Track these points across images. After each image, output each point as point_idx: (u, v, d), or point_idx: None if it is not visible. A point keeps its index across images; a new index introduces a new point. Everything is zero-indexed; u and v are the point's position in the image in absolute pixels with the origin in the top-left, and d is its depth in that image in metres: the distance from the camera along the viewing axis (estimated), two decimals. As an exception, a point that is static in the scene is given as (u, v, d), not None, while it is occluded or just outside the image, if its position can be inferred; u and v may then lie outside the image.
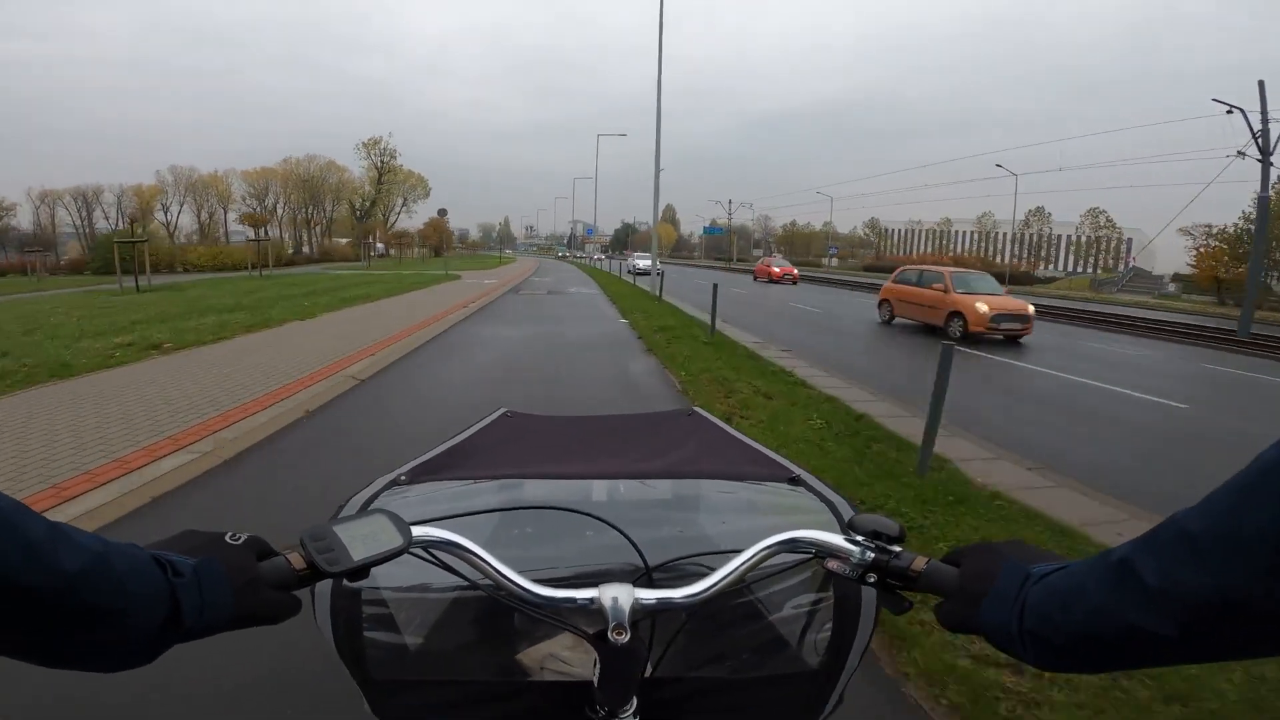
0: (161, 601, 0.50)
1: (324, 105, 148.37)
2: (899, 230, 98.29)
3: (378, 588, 0.89)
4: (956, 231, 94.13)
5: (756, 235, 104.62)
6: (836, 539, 0.67)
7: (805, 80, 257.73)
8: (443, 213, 59.03)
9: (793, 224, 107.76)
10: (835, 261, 70.62)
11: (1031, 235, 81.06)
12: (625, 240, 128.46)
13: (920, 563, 0.63)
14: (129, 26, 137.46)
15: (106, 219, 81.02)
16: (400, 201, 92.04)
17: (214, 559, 0.55)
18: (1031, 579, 0.55)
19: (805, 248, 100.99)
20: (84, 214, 77.71)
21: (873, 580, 0.65)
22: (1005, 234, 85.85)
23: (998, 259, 74.79)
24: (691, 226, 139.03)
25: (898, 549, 0.65)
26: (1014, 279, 46.00)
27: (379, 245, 76.11)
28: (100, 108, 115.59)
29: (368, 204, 79.78)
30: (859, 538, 0.66)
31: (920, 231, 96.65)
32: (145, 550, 0.52)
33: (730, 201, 59.89)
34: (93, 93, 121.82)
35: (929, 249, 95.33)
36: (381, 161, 79.83)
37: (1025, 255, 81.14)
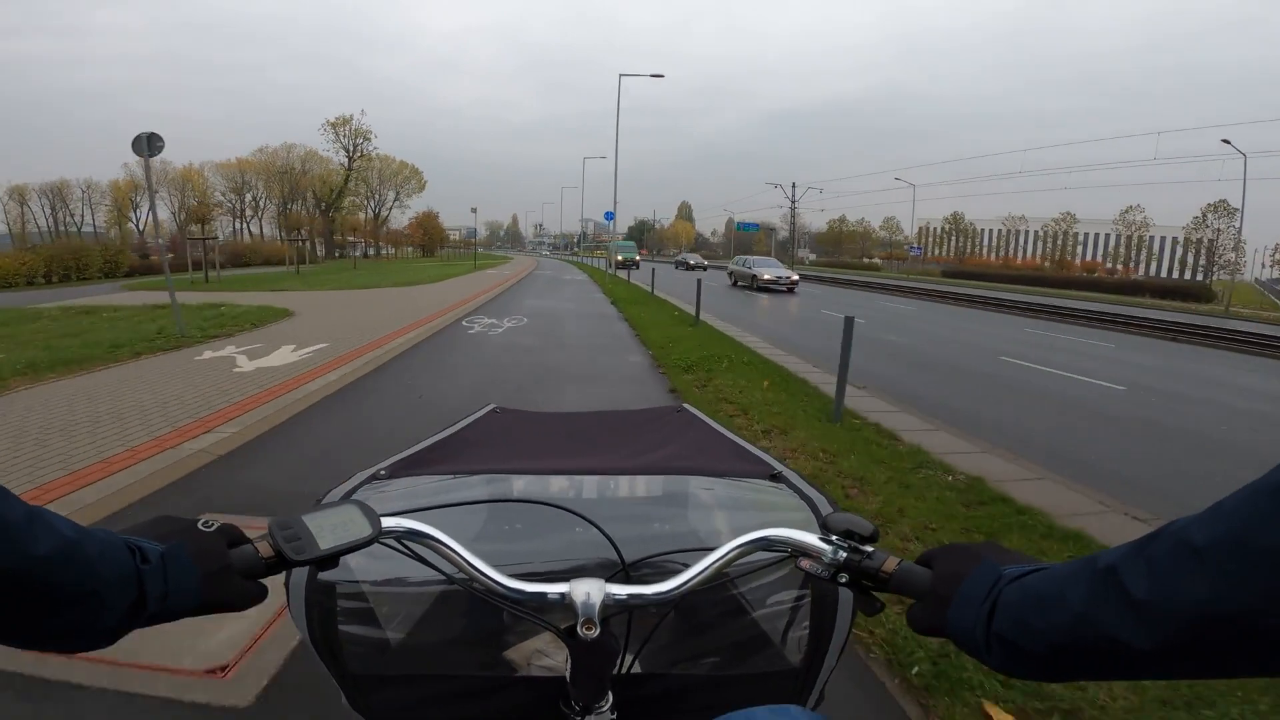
0: (129, 586, 0.52)
1: (336, 101, 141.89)
2: (980, 228, 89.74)
3: (356, 581, 0.90)
4: (1032, 231, 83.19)
5: (783, 233, 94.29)
6: (809, 538, 0.68)
7: (826, 77, 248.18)
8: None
9: (841, 220, 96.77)
10: (874, 263, 61.31)
11: (1123, 235, 70.34)
12: (641, 239, 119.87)
13: (891, 563, 0.64)
14: (139, 23, 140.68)
15: (71, 216, 75.17)
16: (392, 195, 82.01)
17: (182, 544, 0.57)
18: (1004, 580, 0.55)
19: (844, 246, 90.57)
20: (55, 211, 74.34)
21: (845, 580, 0.66)
22: (1088, 234, 75.76)
23: (1090, 257, 64.59)
24: (712, 224, 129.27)
25: (870, 549, 0.66)
26: (1166, 292, 34.99)
27: (352, 244, 66.18)
28: (112, 104, 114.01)
29: (335, 194, 69.35)
30: (833, 537, 0.67)
31: (988, 230, 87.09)
32: (118, 535, 0.54)
33: (794, 186, 47.61)
34: (116, 89, 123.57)
35: (1002, 249, 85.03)
36: (353, 145, 68.27)
37: (1121, 257, 71.50)
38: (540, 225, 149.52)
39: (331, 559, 0.62)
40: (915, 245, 66.55)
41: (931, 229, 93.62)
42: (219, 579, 0.57)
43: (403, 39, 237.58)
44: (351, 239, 78.76)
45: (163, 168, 71.31)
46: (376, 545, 0.66)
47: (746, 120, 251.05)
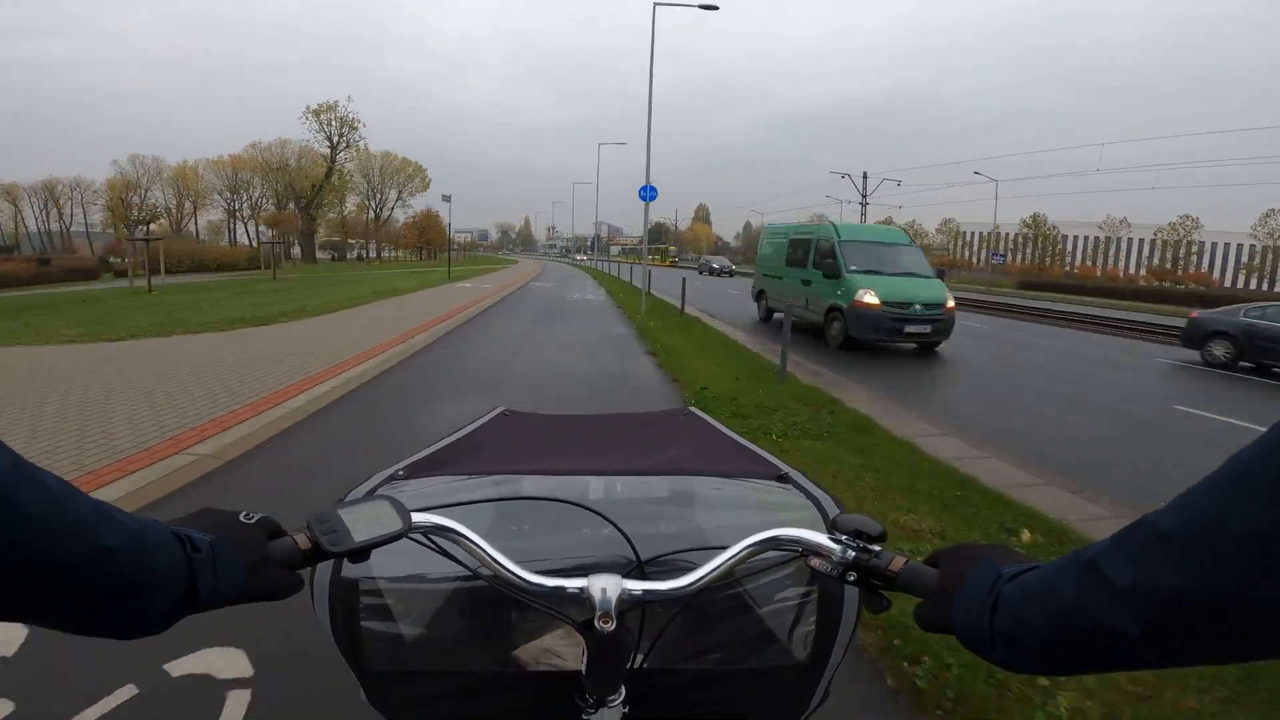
0: (181, 576, 0.55)
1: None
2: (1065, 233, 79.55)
3: (374, 578, 0.93)
4: (1133, 239, 73.40)
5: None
6: (819, 537, 0.71)
7: (841, 78, 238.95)
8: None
9: (887, 221, 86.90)
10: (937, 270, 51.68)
11: (1263, 245, 60.47)
12: (659, 242, 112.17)
13: (898, 563, 0.67)
14: (151, 22, 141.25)
15: (62, 217, 72.20)
16: (395, 194, 74.43)
17: (228, 536, 0.60)
18: (1004, 578, 0.57)
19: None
20: (46, 210, 70.74)
21: (853, 579, 0.69)
22: (1215, 242, 65.93)
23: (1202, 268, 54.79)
24: (730, 226, 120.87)
25: (877, 548, 0.68)
26: None
27: (349, 245, 58.28)
28: (126, 107, 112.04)
29: (314, 189, 61.84)
30: (841, 536, 0.69)
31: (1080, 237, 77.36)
32: (167, 526, 0.57)
33: (865, 176, 37.83)
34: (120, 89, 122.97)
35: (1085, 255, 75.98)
36: (338, 135, 60.92)
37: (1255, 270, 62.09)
38: (553, 228, 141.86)
39: (365, 551, 0.65)
40: (999, 252, 56.43)
41: (1002, 233, 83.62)
42: (260, 570, 0.61)
43: (413, 41, 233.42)
44: (352, 240, 71.31)
45: (156, 166, 67.56)
46: (394, 542, 0.68)
47: (756, 121, 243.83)
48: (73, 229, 72.86)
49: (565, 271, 45.41)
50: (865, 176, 37.71)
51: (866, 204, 38.00)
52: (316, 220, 63.48)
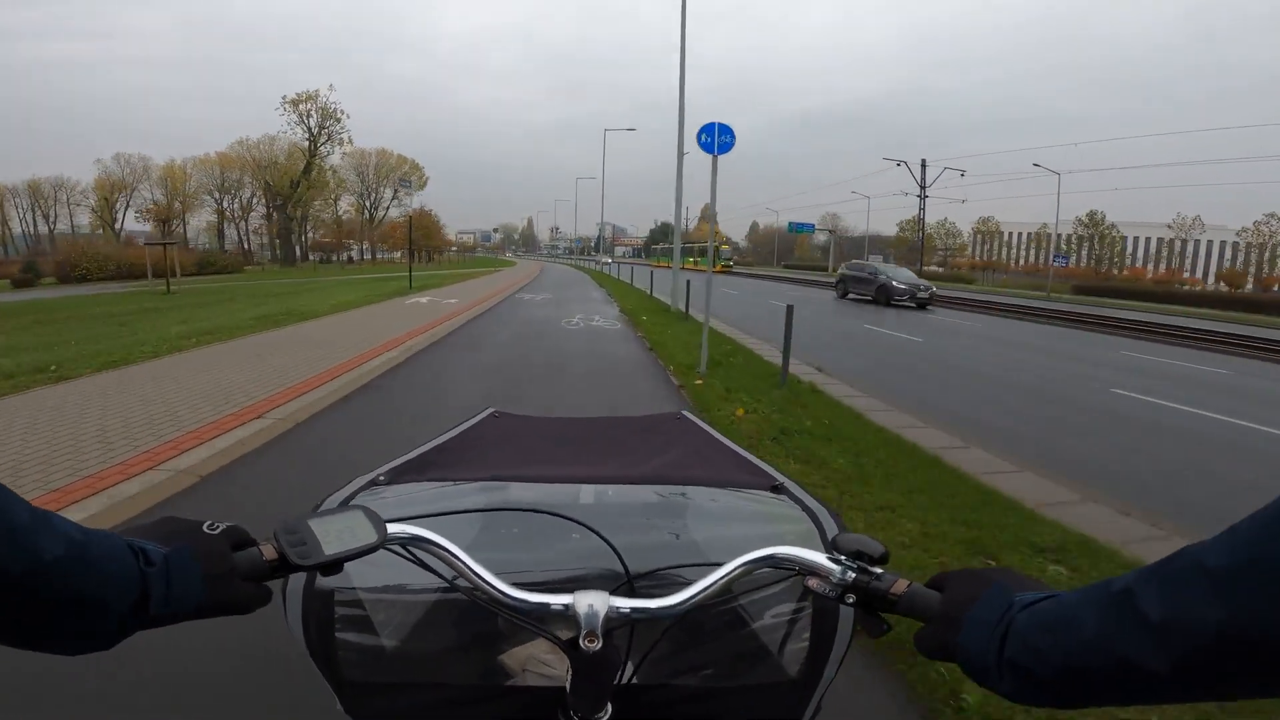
0: (131, 589, 0.53)
1: (345, 101, 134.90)
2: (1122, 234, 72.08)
3: (353, 588, 0.92)
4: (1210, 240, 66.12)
5: (821, 237, 79.10)
6: (818, 557, 0.69)
7: (850, 78, 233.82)
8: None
9: (910, 224, 79.46)
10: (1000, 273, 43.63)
11: None
12: (662, 242, 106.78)
13: (901, 585, 0.65)
14: (166, 21, 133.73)
15: (46, 217, 69.87)
16: (390, 194, 69.37)
17: (187, 547, 0.58)
18: (1016, 606, 0.55)
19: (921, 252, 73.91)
20: (34, 211, 68.94)
21: (852, 600, 0.67)
22: None
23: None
24: (738, 227, 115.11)
25: (879, 570, 0.66)
26: None
27: (343, 245, 52.98)
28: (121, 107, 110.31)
29: (291, 186, 57.24)
30: (841, 557, 0.67)
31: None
32: (121, 538, 0.55)
33: (924, 166, 30.85)
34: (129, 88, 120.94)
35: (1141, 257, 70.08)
36: (318, 126, 56.06)
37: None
38: (556, 229, 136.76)
39: (336, 565, 0.63)
40: (1062, 253, 49.03)
41: (1052, 233, 75.80)
42: (222, 582, 0.58)
43: (418, 41, 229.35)
44: (349, 241, 66.09)
45: (144, 165, 65.74)
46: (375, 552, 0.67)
47: (765, 122, 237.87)
48: (57, 230, 69.34)
49: (565, 278, 36.74)
50: (924, 166, 31.50)
51: (925, 196, 31.54)
52: (294, 220, 59.42)
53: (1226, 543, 0.43)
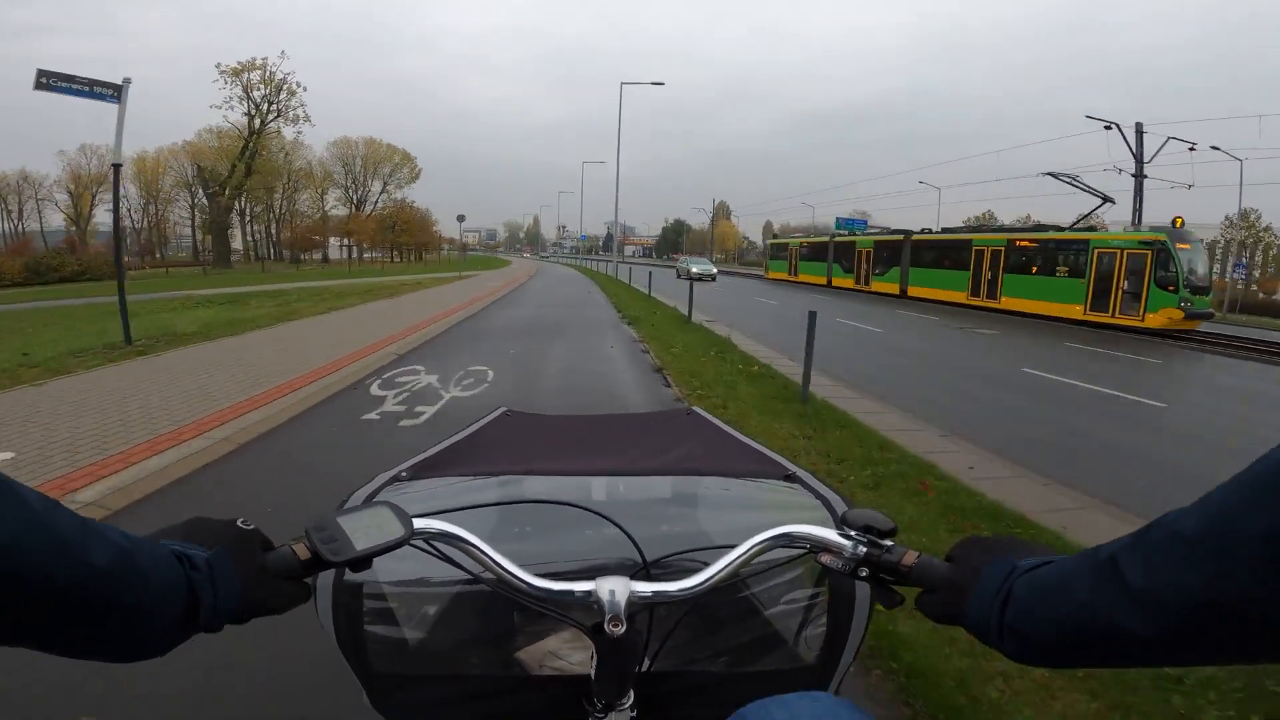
0: (179, 596, 0.55)
1: (346, 101, 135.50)
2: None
3: (378, 582, 0.95)
4: None
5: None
6: (829, 533, 0.72)
7: (855, 78, 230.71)
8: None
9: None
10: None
11: None
12: (676, 242, 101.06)
13: (911, 557, 0.68)
14: (170, 19, 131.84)
15: (10, 215, 65.87)
16: (380, 186, 63.80)
17: (224, 550, 0.59)
18: (1017, 572, 0.59)
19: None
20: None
21: (865, 574, 0.70)
22: None
23: None
24: (749, 227, 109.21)
25: (889, 543, 0.70)
26: None
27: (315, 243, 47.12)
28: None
29: (230, 170, 46.09)
30: (851, 532, 0.71)
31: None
32: (164, 545, 0.57)
33: (1139, 131, 19.12)
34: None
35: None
36: (267, 102, 45.30)
37: None
38: (564, 227, 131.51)
39: (366, 560, 0.64)
40: (1241, 261, 37.50)
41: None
42: (260, 582, 0.60)
43: (422, 41, 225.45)
44: (313, 236, 60.46)
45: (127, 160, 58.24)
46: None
47: (771, 122, 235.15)
48: (27, 227, 64.84)
49: (567, 283, 30.76)
50: (1140, 131, 19.97)
51: (1144, 176, 20.04)
52: (230, 213, 49.53)
53: (1200, 511, 0.44)
